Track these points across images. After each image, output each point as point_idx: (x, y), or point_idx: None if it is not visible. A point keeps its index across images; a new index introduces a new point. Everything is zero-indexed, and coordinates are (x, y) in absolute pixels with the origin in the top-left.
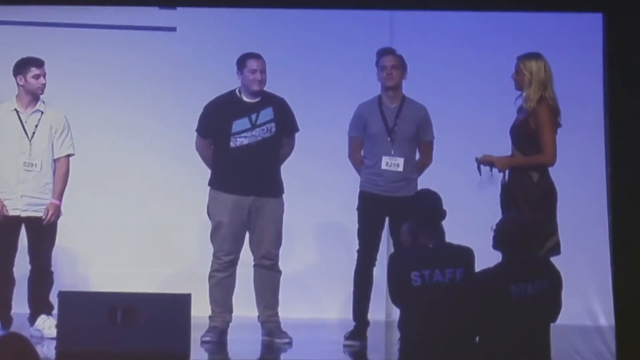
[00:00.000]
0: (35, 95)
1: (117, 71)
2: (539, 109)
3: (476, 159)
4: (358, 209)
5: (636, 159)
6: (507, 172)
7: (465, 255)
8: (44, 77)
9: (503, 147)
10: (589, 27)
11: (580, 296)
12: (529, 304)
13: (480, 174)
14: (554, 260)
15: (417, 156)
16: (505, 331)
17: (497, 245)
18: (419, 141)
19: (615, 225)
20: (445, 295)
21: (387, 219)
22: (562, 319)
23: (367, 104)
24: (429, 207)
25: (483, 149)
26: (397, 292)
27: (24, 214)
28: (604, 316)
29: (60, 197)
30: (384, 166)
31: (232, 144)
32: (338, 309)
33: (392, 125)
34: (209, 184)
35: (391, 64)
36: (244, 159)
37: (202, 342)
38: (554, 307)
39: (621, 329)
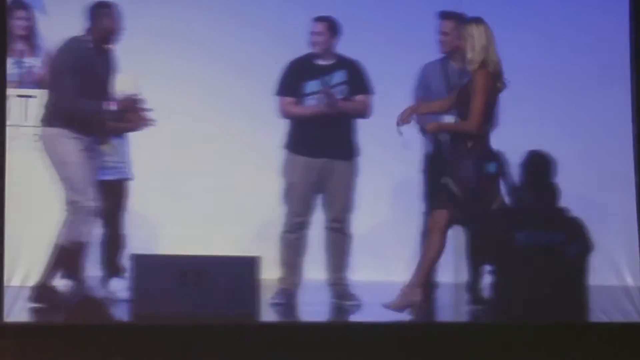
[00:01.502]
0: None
1: (194, 31)
2: (477, 74)
3: (397, 121)
4: (424, 171)
5: None
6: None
7: None
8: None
9: None
10: None
11: (607, 257)
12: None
13: (401, 134)
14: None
15: None
16: None
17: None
18: None
19: None
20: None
21: None
22: (590, 280)
23: (433, 63)
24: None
25: None
26: None
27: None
28: (631, 276)
29: None
30: None
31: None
32: (406, 272)
33: (456, 85)
34: (283, 146)
35: (442, 30)
36: (315, 121)
37: (272, 304)
38: None
39: None
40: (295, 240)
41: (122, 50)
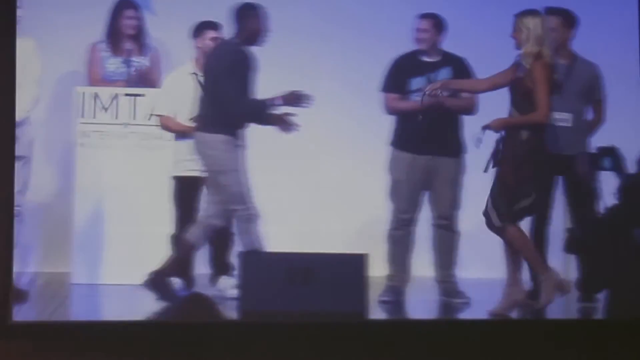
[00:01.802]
0: None
1: (295, 31)
2: (535, 66)
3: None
4: None
5: None
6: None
7: None
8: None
9: None
10: None
11: None
12: None
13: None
14: None
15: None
16: None
17: None
18: (592, 100)
19: None
20: None
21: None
22: None
23: None
24: None
25: None
26: None
27: (203, 174)
28: None
29: None
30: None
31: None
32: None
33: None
34: (389, 143)
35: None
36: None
37: (380, 302)
38: None
39: None
40: (403, 237)
41: None
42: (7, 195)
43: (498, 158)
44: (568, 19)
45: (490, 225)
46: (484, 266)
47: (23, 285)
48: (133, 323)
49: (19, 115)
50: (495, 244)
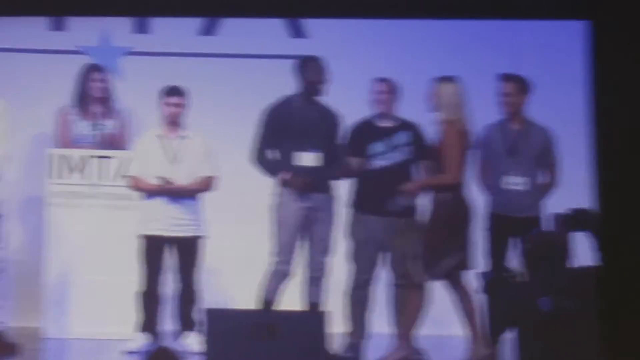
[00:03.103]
0: (175, 121)
1: (254, 97)
2: (446, 131)
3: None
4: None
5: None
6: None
7: None
8: (181, 105)
9: None
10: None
11: None
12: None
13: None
14: None
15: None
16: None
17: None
18: (544, 163)
19: None
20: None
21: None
22: None
23: (492, 125)
24: None
25: None
26: None
27: (170, 234)
28: None
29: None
30: (502, 185)
31: (369, 166)
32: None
33: (514, 146)
34: (349, 205)
35: (506, 91)
36: (379, 179)
37: (341, 358)
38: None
39: None
40: (362, 296)
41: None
42: None
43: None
44: (523, 85)
45: (409, 281)
46: (439, 323)
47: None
48: None
49: None
50: (448, 301)
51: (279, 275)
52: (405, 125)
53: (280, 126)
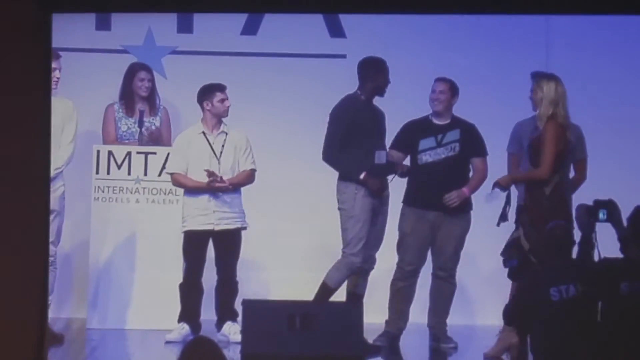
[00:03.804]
0: (220, 118)
1: (293, 96)
2: (547, 126)
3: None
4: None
5: None
6: (523, 187)
7: None
8: (228, 101)
9: None
10: None
11: None
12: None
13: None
14: None
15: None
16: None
17: (548, 251)
18: (573, 159)
19: None
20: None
21: None
22: None
23: (524, 121)
24: None
25: None
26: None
27: (217, 228)
28: None
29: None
30: None
31: (418, 161)
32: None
33: None
34: (402, 200)
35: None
36: (431, 175)
37: (374, 346)
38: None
39: None
40: (405, 288)
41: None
42: (42, 245)
43: (507, 212)
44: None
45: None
46: (471, 314)
47: (57, 329)
48: None
49: (53, 171)
50: (483, 293)
51: (350, 267)
52: (459, 123)
53: (355, 125)
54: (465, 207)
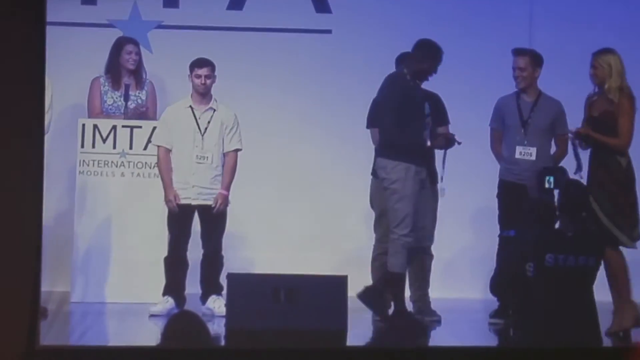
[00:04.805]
0: (200, 93)
1: (279, 71)
2: (621, 99)
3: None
4: (498, 196)
5: None
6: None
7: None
8: (207, 78)
9: None
10: None
11: None
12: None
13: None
14: None
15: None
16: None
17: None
18: (554, 134)
19: None
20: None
21: None
22: None
23: (506, 97)
24: (575, 197)
25: None
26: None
27: (194, 202)
28: None
29: (228, 188)
30: (517, 155)
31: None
32: (483, 290)
33: (527, 118)
34: (373, 174)
35: (520, 65)
36: None
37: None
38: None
39: None
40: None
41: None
42: (36, 218)
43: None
44: (536, 59)
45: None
46: (454, 287)
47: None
48: (162, 349)
49: None
50: (463, 266)
51: (406, 247)
52: (426, 96)
53: (407, 105)
54: (433, 179)
